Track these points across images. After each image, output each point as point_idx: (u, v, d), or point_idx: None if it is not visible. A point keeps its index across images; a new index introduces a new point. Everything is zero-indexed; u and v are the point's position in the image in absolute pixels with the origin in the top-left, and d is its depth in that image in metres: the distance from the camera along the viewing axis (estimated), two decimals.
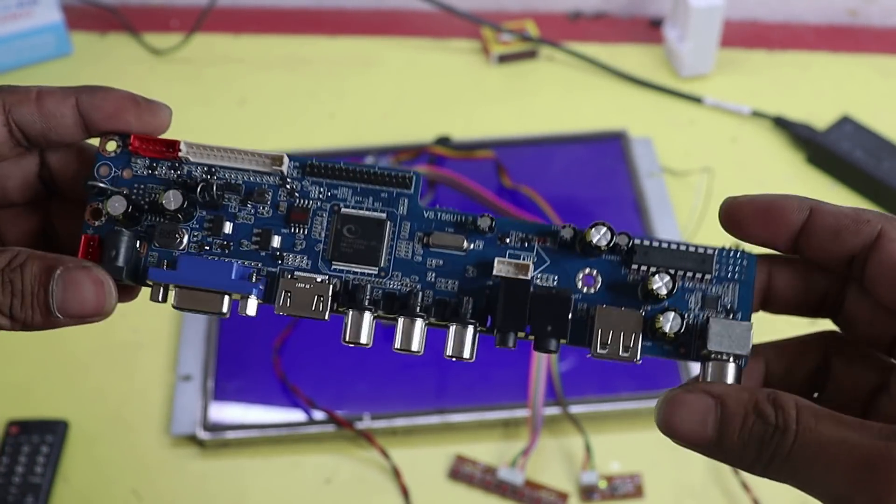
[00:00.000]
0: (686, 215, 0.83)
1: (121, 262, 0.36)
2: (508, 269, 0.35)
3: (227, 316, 0.36)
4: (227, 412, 0.72)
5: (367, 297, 0.36)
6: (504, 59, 0.99)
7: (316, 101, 0.96)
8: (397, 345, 0.36)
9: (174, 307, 0.36)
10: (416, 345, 0.36)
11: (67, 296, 0.34)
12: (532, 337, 0.35)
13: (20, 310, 0.34)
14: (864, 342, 0.35)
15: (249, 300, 0.36)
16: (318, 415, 0.71)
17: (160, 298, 0.36)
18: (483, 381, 0.73)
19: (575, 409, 0.71)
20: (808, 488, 0.31)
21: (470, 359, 0.35)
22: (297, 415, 0.72)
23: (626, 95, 0.95)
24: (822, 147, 0.87)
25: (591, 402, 0.71)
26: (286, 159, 0.37)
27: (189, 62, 1.00)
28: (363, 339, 0.36)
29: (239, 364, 0.75)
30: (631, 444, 0.70)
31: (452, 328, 0.35)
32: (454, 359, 0.35)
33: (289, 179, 0.37)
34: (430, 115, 0.93)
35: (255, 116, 0.95)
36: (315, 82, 0.98)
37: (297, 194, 0.37)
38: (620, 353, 0.34)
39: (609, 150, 0.89)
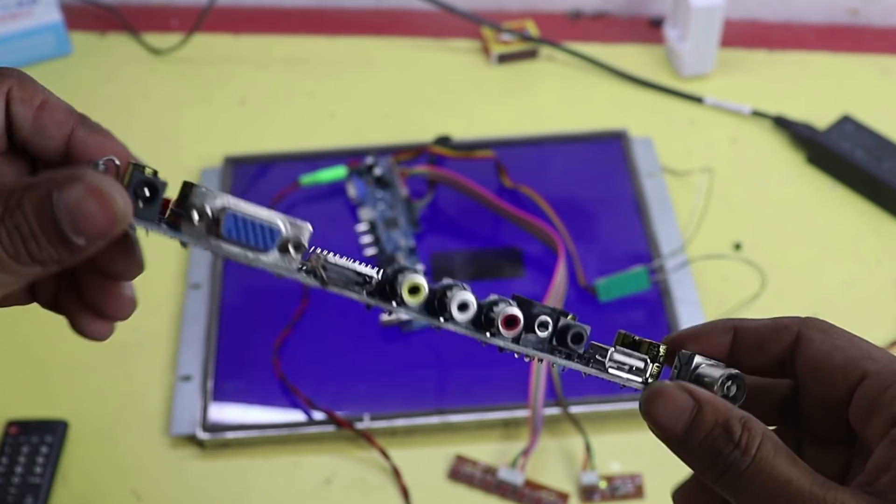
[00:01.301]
0: (686, 215, 0.83)
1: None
2: None
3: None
4: (227, 412, 0.72)
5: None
6: (504, 59, 0.99)
7: (316, 101, 0.96)
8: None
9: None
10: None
11: (74, 218, 0.31)
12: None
13: (39, 251, 0.31)
14: (824, 432, 0.38)
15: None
16: (318, 415, 0.71)
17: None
18: (483, 381, 0.73)
19: (575, 409, 0.71)
20: None
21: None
22: (297, 415, 0.72)
23: (626, 95, 0.95)
24: (822, 147, 0.87)
25: (591, 403, 0.71)
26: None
27: (189, 62, 1.00)
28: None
29: (239, 364, 0.75)
30: (631, 444, 0.70)
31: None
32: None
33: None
34: (430, 115, 0.93)
35: (255, 116, 0.95)
36: (315, 82, 0.98)
37: None
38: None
39: (609, 150, 0.89)
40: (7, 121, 0.35)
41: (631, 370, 0.37)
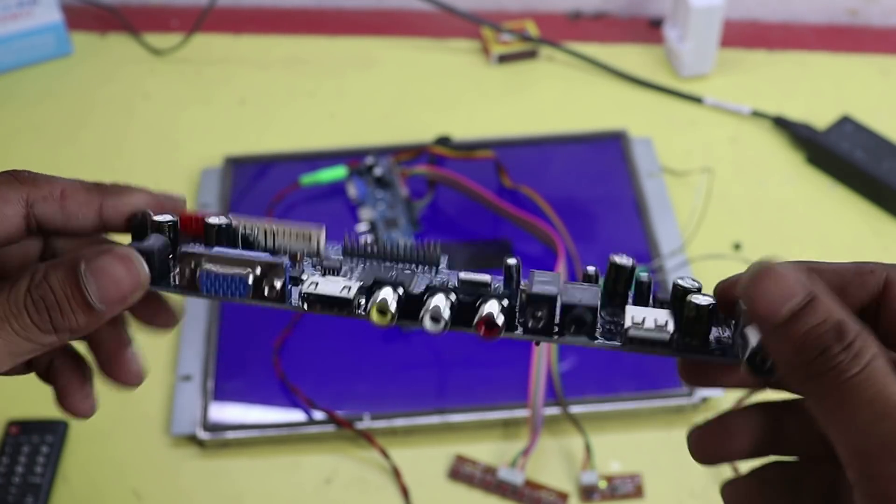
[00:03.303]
0: (686, 215, 0.83)
1: (151, 246, 0.36)
2: None
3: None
4: (227, 412, 0.72)
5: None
6: (504, 59, 0.99)
7: (316, 101, 0.96)
8: None
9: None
10: None
11: (101, 283, 0.34)
12: None
13: (61, 319, 0.35)
14: None
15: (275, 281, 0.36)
16: (318, 415, 0.71)
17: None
18: (483, 381, 0.73)
19: (575, 409, 0.71)
20: (833, 426, 0.30)
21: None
22: (297, 415, 0.72)
23: (626, 95, 0.95)
24: (822, 147, 0.87)
25: (591, 402, 0.71)
26: (322, 236, 0.37)
27: (189, 62, 1.00)
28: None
29: (239, 364, 0.75)
30: (631, 444, 0.70)
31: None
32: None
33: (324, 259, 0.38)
34: (430, 115, 0.93)
35: (255, 116, 0.95)
36: (315, 82, 0.98)
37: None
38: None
39: (609, 150, 0.89)
40: (28, 221, 0.37)
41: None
